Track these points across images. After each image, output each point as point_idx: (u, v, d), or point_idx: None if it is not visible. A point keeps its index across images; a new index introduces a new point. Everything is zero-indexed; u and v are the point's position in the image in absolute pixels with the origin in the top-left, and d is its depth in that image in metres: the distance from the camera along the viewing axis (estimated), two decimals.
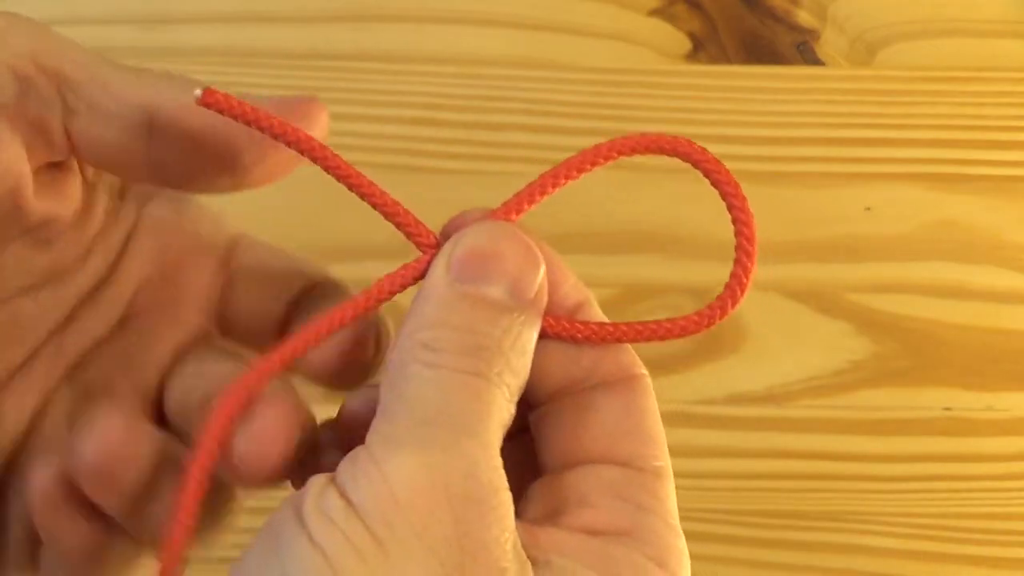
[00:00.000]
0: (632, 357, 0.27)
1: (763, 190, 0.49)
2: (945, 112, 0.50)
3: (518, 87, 0.50)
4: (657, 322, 0.26)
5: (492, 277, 0.24)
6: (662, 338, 0.26)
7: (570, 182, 0.27)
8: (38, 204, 0.26)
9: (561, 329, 0.26)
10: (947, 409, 0.49)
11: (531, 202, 0.26)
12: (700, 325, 0.26)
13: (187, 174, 0.26)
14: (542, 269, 0.25)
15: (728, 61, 0.50)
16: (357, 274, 0.30)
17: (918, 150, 0.50)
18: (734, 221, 0.26)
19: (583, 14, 0.50)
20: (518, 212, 0.26)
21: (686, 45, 0.50)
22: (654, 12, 0.50)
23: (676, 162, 0.50)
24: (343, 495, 0.22)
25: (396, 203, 0.27)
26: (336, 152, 0.27)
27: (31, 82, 0.25)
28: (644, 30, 0.50)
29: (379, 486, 0.22)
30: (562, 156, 0.48)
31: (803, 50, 0.50)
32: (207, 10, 0.50)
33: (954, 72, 0.50)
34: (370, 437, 0.23)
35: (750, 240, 0.26)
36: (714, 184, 0.26)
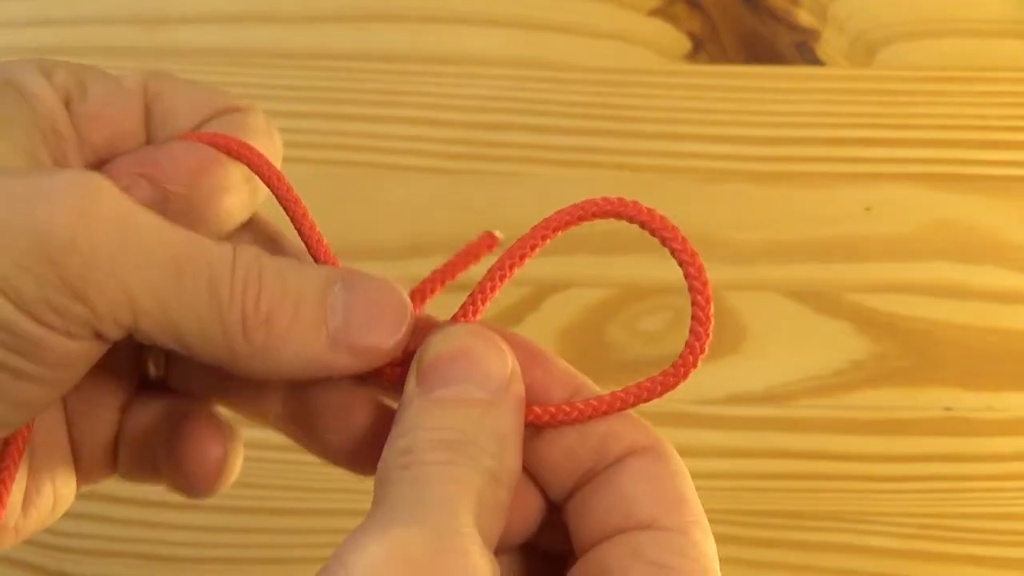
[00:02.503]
0: (641, 429, 0.27)
1: (763, 190, 0.49)
2: (945, 112, 0.50)
3: (518, 87, 0.50)
4: (626, 389, 0.26)
5: (457, 377, 0.25)
6: (634, 404, 0.26)
7: (526, 260, 0.27)
8: None
9: (548, 417, 0.26)
10: (947, 409, 0.49)
11: (484, 300, 0.27)
12: (667, 386, 0.26)
13: None
14: (509, 357, 0.26)
15: (728, 61, 0.50)
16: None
17: (918, 150, 0.50)
18: (690, 289, 0.26)
19: (583, 14, 0.50)
20: (475, 313, 0.27)
21: (686, 45, 0.50)
22: (654, 12, 0.50)
23: (677, 162, 0.51)
24: None
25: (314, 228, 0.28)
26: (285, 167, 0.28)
27: None
28: (644, 30, 0.50)
29: None
30: (562, 156, 0.48)
31: (803, 50, 0.50)
32: (207, 10, 0.50)
33: (954, 72, 0.50)
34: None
35: (706, 301, 0.26)
36: (668, 248, 0.27)
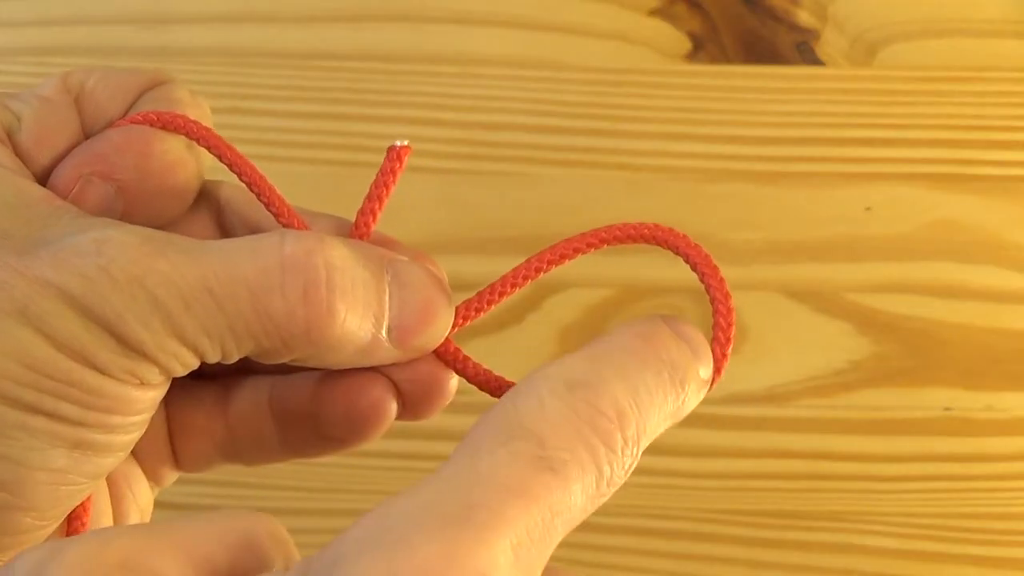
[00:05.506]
0: None
1: (763, 190, 0.49)
2: (945, 112, 0.50)
3: (518, 87, 0.50)
4: None
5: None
6: None
7: (552, 269, 0.27)
8: None
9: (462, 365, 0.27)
10: (947, 409, 0.49)
11: (491, 302, 0.27)
12: None
13: None
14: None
15: (728, 61, 0.50)
16: None
17: (918, 150, 0.50)
18: (714, 326, 0.26)
19: (583, 14, 0.50)
20: (479, 312, 0.27)
21: (686, 45, 0.50)
22: (654, 12, 0.50)
23: (677, 162, 0.51)
24: None
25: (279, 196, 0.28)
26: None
27: None
28: (644, 30, 0.50)
29: None
30: (562, 156, 0.47)
31: (803, 50, 0.50)
32: (207, 10, 0.50)
33: (954, 72, 0.50)
34: None
35: (728, 324, 0.26)
36: (697, 274, 0.26)
